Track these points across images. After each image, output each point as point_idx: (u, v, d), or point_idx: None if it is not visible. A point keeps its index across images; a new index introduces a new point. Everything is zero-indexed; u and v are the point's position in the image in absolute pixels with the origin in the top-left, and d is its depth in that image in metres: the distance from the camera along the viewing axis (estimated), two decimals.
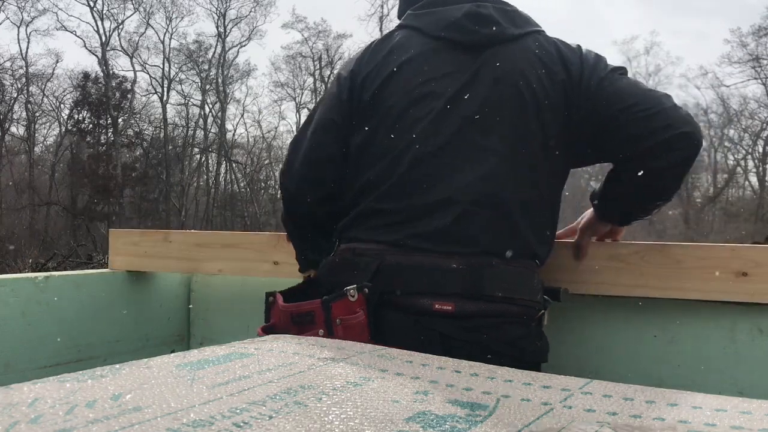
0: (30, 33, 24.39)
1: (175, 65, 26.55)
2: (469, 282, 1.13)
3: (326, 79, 26.10)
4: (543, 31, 1.34)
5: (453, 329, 1.11)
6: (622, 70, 1.30)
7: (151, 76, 26.27)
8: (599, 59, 1.31)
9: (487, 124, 1.22)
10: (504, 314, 1.15)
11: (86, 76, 25.00)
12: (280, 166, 1.43)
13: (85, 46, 25.38)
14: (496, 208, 1.18)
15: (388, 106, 1.26)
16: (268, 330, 1.21)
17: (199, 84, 26.68)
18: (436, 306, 1.11)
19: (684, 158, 1.24)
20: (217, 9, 26.41)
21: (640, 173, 1.24)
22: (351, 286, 1.13)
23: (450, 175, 1.20)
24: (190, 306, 2.08)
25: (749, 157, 25.41)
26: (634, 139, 1.24)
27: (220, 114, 26.83)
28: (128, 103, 25.80)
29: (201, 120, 26.98)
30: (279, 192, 1.41)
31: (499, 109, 1.23)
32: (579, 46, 1.33)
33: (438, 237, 1.16)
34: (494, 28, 1.27)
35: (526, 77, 1.24)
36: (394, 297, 1.14)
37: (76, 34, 26.17)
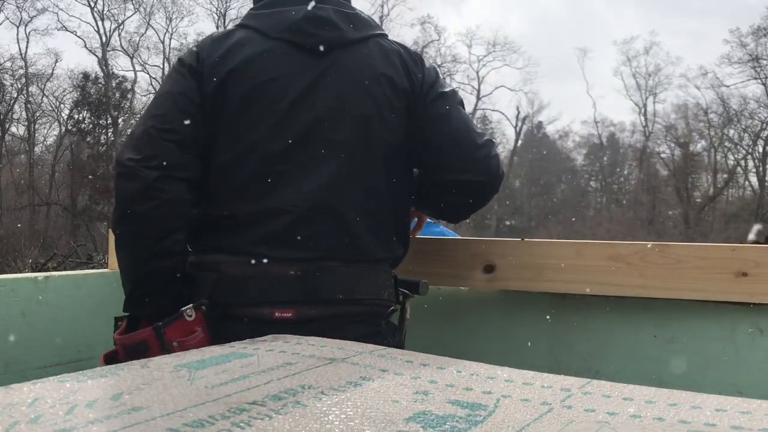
0: (29, 33, 24.38)
1: None
2: (306, 288, 1.15)
3: None
4: (385, 35, 1.34)
5: (296, 335, 1.13)
6: (460, 100, 1.33)
7: (151, 76, 26.27)
8: (439, 75, 1.35)
9: (329, 129, 1.22)
10: (346, 315, 1.17)
11: (86, 76, 25.00)
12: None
13: (85, 46, 25.39)
14: (334, 214, 1.20)
15: (229, 106, 1.22)
16: (109, 359, 1.19)
17: None
18: (276, 314, 1.13)
19: (471, 204, 1.34)
20: (217, 9, 26.43)
21: (434, 198, 1.36)
22: (187, 306, 1.13)
23: (290, 181, 1.20)
24: None
25: (749, 157, 25.44)
26: (439, 169, 1.31)
27: None
28: (128, 103, 25.80)
29: None
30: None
31: (341, 114, 1.23)
32: (421, 56, 1.35)
33: (276, 243, 1.17)
34: (334, 32, 1.26)
35: (369, 83, 1.25)
36: (235, 309, 1.16)
37: (76, 34, 26.10)
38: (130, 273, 1.20)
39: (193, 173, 1.20)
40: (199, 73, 1.23)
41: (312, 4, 1.26)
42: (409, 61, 1.31)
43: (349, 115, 1.23)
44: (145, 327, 1.15)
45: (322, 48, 1.24)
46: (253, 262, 1.16)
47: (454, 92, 1.33)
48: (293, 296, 1.15)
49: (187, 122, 1.20)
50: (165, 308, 1.16)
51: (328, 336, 1.10)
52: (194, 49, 1.28)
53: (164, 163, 1.17)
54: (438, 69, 1.36)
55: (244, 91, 1.22)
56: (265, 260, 1.16)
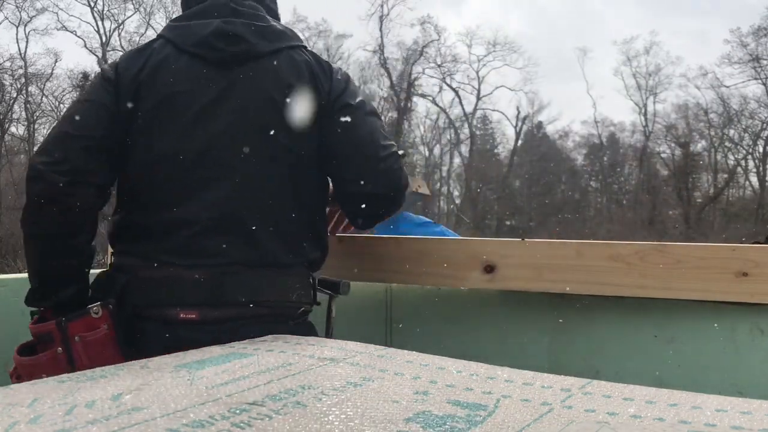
0: (29, 32, 24.37)
1: None
2: (211, 291, 1.21)
3: None
4: (300, 46, 1.37)
5: (200, 335, 1.17)
6: (369, 110, 1.36)
7: None
8: (349, 86, 1.36)
9: (233, 141, 1.26)
10: (250, 316, 1.23)
11: (86, 76, 24.95)
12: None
13: (85, 46, 25.38)
14: (238, 224, 1.24)
15: (141, 116, 1.28)
16: (25, 349, 1.27)
17: None
18: (181, 315, 1.20)
19: (373, 215, 1.39)
20: None
21: (342, 206, 1.40)
22: (95, 304, 1.21)
23: (195, 193, 1.25)
24: None
25: (749, 157, 25.43)
26: (342, 179, 1.35)
27: None
28: None
29: None
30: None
31: (245, 126, 1.27)
32: (331, 66, 1.38)
33: (183, 252, 1.23)
34: (242, 46, 1.30)
35: (275, 95, 1.29)
36: (144, 309, 1.23)
37: (76, 34, 26.08)
38: (34, 269, 1.28)
39: (102, 180, 1.27)
40: (116, 85, 1.29)
41: (220, 19, 1.31)
42: (318, 71, 1.34)
43: (253, 126, 1.27)
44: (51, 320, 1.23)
45: (230, 62, 1.30)
46: (163, 267, 1.23)
47: (362, 103, 1.36)
48: (198, 299, 1.21)
49: (100, 130, 1.26)
50: (67, 305, 1.24)
51: (232, 336, 1.15)
52: (115, 61, 1.35)
53: (73, 168, 1.22)
54: (349, 80, 1.38)
55: (153, 103, 1.28)
56: (173, 266, 1.23)
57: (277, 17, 1.45)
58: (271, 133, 1.27)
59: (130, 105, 1.28)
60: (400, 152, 1.38)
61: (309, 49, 1.39)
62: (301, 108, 1.29)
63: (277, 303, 1.27)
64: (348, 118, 1.32)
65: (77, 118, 1.27)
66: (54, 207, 1.22)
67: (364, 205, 1.36)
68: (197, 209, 1.24)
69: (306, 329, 1.32)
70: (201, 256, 1.23)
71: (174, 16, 1.47)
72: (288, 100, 1.29)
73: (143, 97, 1.28)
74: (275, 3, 1.48)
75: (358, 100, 1.36)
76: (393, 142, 1.37)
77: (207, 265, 1.22)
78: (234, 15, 1.32)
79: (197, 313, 1.20)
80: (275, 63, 1.30)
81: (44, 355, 1.21)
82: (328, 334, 1.41)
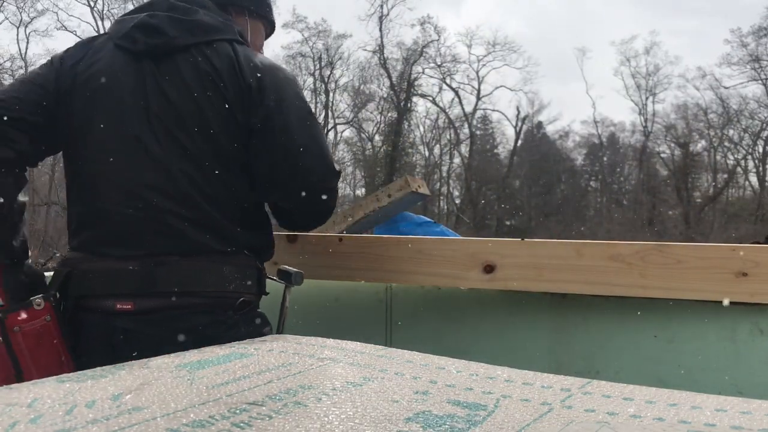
0: (29, 33, 24.35)
1: None
2: (144, 281, 1.24)
3: (326, 78, 26.14)
4: (230, 40, 1.35)
5: (135, 325, 1.23)
6: (302, 114, 1.35)
7: None
8: (291, 87, 1.35)
9: (155, 132, 1.28)
10: (185, 306, 1.24)
11: None
12: None
13: None
14: (162, 214, 1.26)
15: (73, 106, 1.32)
16: None
17: None
18: (118, 306, 1.23)
19: (293, 227, 1.47)
20: None
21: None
22: (38, 296, 1.25)
23: (121, 183, 1.28)
24: None
25: (749, 157, 25.43)
26: (263, 190, 1.36)
27: None
28: None
29: None
30: None
31: (166, 118, 1.29)
32: (271, 63, 1.37)
33: (113, 242, 1.27)
34: (160, 38, 1.32)
35: (193, 86, 1.29)
36: (84, 300, 1.27)
37: (76, 34, 26.09)
38: None
39: (13, 153, 1.28)
40: (59, 72, 1.34)
41: (146, 13, 1.34)
42: (245, 66, 1.32)
43: (171, 117, 1.29)
44: None
45: (146, 54, 1.32)
46: (100, 259, 1.27)
47: (309, 111, 1.36)
48: (132, 289, 1.24)
49: (29, 106, 1.30)
50: None
51: (167, 326, 1.23)
52: (63, 51, 1.40)
53: None
54: (284, 79, 1.35)
55: (86, 94, 1.32)
56: (107, 257, 1.26)
57: (228, 6, 1.45)
58: (189, 124, 1.28)
59: (65, 94, 1.32)
60: (328, 168, 1.36)
61: (245, 47, 1.37)
62: (216, 101, 1.29)
63: (212, 293, 1.28)
64: (271, 122, 1.31)
65: (10, 89, 1.33)
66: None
67: (283, 217, 1.43)
68: (123, 200, 1.27)
69: (251, 320, 1.33)
70: (132, 247, 1.25)
71: None
72: (204, 92, 1.29)
73: (78, 87, 1.32)
74: None
75: (303, 104, 1.35)
76: (323, 154, 1.35)
77: (139, 256, 1.25)
78: (168, 9, 1.35)
79: (132, 304, 1.23)
80: (196, 56, 1.31)
81: None
82: (280, 325, 1.42)
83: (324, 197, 1.35)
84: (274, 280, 1.43)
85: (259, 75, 1.31)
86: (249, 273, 1.34)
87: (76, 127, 1.32)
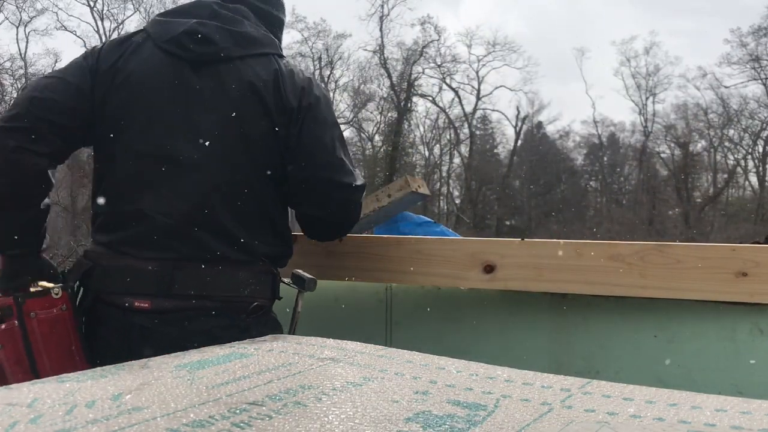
0: (29, 33, 24.36)
1: None
2: (163, 283, 1.27)
3: (326, 78, 26.11)
4: (274, 54, 1.38)
5: (151, 323, 1.26)
6: (335, 135, 1.38)
7: None
8: (327, 104, 1.39)
9: (193, 141, 1.29)
10: (200, 309, 1.28)
11: None
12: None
13: (84, 45, 25.34)
14: (189, 223, 1.29)
15: (112, 106, 1.32)
16: None
17: None
18: (136, 304, 1.27)
19: (323, 236, 1.51)
20: None
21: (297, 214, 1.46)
22: (57, 285, 1.30)
23: (153, 187, 1.30)
24: None
25: (749, 157, 25.43)
26: (296, 201, 1.41)
27: None
28: None
29: None
30: None
31: (206, 127, 1.30)
32: (309, 79, 1.39)
33: (138, 243, 1.29)
34: (210, 48, 1.32)
35: (237, 98, 1.31)
36: (103, 295, 1.31)
37: (76, 34, 26.08)
38: None
39: (50, 149, 1.30)
40: (94, 71, 1.33)
41: (195, 20, 1.34)
42: (288, 80, 1.34)
43: (212, 127, 1.30)
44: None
45: (197, 63, 1.32)
46: (123, 257, 1.30)
47: (332, 124, 1.39)
48: (151, 289, 1.27)
49: (67, 105, 1.31)
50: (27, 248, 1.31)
51: (182, 326, 1.27)
52: (98, 47, 1.39)
53: (27, 133, 1.27)
54: (323, 98, 1.39)
55: (124, 95, 1.32)
56: (131, 256, 1.29)
57: (268, 17, 1.47)
58: (228, 134, 1.30)
59: (102, 93, 1.32)
60: (359, 183, 1.40)
61: (287, 60, 1.40)
62: (260, 114, 1.30)
63: (226, 297, 1.30)
64: (312, 136, 1.34)
65: (48, 87, 1.32)
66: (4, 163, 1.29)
67: (313, 228, 1.46)
68: (154, 204, 1.29)
69: (263, 323, 1.35)
70: (155, 249, 1.28)
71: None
72: (248, 105, 1.31)
73: (116, 87, 1.32)
74: (270, 4, 1.49)
75: (330, 117, 1.39)
76: (354, 172, 1.40)
77: (160, 258, 1.28)
78: (212, 17, 1.35)
79: (150, 303, 1.26)
80: (241, 68, 1.33)
81: (4, 325, 1.26)
82: (292, 330, 1.44)
83: (352, 208, 1.42)
84: (288, 284, 1.44)
85: (300, 91, 1.34)
86: (264, 278, 1.36)
87: (110, 128, 1.32)
